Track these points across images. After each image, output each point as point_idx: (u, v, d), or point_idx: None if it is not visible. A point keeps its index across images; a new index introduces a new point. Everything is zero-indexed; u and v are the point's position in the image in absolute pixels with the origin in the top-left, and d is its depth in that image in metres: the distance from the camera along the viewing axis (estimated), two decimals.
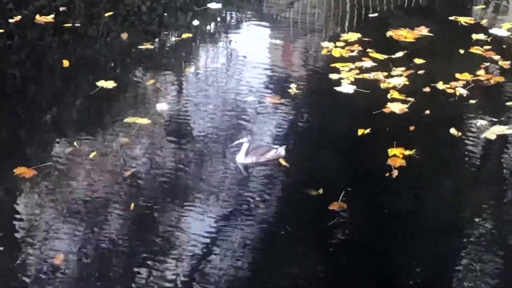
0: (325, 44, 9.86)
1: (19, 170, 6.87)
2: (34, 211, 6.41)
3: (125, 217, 6.32)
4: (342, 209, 6.35)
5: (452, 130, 7.58)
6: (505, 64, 9.10)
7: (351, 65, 9.10)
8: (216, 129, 7.72)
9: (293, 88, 8.56)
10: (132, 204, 6.42)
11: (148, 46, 9.84)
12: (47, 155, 7.22)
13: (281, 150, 7.17)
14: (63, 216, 6.31)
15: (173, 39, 10.38)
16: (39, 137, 7.66)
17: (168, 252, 5.90)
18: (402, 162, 6.98)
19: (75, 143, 7.39)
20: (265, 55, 9.97)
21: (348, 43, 9.78)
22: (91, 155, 7.17)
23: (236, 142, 7.20)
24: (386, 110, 7.99)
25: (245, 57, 9.69)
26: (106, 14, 10.90)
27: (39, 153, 7.28)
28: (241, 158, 7.10)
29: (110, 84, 8.61)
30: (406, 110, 8.02)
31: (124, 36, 10.12)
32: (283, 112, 8.10)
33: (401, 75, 8.81)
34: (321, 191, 6.55)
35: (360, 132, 7.48)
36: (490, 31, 10.16)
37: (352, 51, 9.54)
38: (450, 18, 10.61)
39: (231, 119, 7.96)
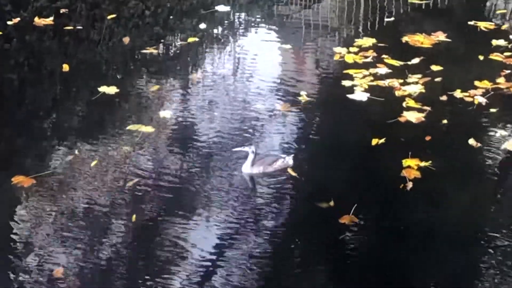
0: (338, 49, 9.93)
1: (17, 179, 6.93)
2: (32, 222, 6.46)
3: (127, 229, 6.37)
4: (354, 223, 6.38)
5: (471, 141, 7.62)
6: None
7: (365, 72, 9.17)
8: (222, 137, 7.78)
9: (303, 96, 8.62)
10: (134, 216, 6.47)
11: (152, 50, 9.93)
12: (47, 164, 7.29)
13: (289, 160, 7.24)
14: (62, 228, 6.36)
15: (179, 43, 10.47)
16: (38, 144, 7.74)
17: (172, 267, 5.93)
18: (417, 174, 7.02)
19: (76, 151, 7.46)
20: (275, 61, 10.04)
21: (362, 49, 9.85)
22: (93, 164, 7.24)
23: (238, 148, 7.28)
24: (401, 119, 8.04)
25: (254, 63, 9.77)
26: (109, 17, 11.00)
27: (38, 162, 7.35)
28: (247, 169, 7.16)
29: (112, 90, 8.70)
30: (423, 119, 8.07)
31: (126, 40, 10.21)
32: (293, 120, 8.16)
33: (417, 83, 8.88)
34: (332, 203, 6.59)
35: (374, 141, 7.53)
36: (511, 36, 10.21)
37: (366, 57, 9.61)
38: (469, 22, 10.68)
39: (238, 127, 8.02)
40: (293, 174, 7.12)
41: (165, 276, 5.83)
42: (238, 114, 8.31)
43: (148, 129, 7.85)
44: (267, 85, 9.02)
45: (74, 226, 6.38)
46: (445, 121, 8.04)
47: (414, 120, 8.04)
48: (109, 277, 5.85)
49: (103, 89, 8.67)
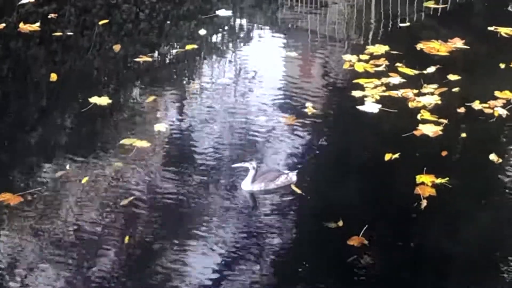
0: (347, 57, 9.98)
1: (3, 197, 6.99)
2: (17, 243, 6.50)
3: (119, 252, 6.41)
4: (363, 244, 6.41)
5: (492, 156, 7.67)
6: None
7: (377, 81, 9.23)
8: (222, 153, 7.85)
9: (309, 107, 8.69)
10: (127, 237, 6.53)
11: (147, 58, 9.99)
12: (34, 181, 7.34)
13: (293, 176, 7.29)
14: (50, 249, 6.40)
15: (175, 51, 10.52)
16: (25, 160, 7.78)
17: None
18: (432, 192, 7.07)
19: (66, 167, 7.50)
20: (279, 70, 10.10)
21: (373, 57, 9.91)
22: (83, 181, 7.30)
23: (238, 164, 7.34)
24: (417, 133, 8.10)
25: (257, 72, 9.82)
26: (100, 23, 11.06)
27: (25, 178, 7.40)
28: (247, 186, 7.21)
29: (104, 101, 8.77)
30: (440, 132, 8.14)
31: (117, 47, 10.26)
32: (298, 134, 8.21)
33: (432, 93, 8.93)
34: (340, 223, 6.63)
35: (387, 156, 7.58)
36: None
37: (378, 65, 9.67)
38: (489, 28, 10.73)
39: (239, 141, 8.10)
40: (298, 191, 7.18)
41: None
42: (239, 128, 8.38)
43: (143, 143, 7.91)
44: (270, 96, 9.07)
45: (63, 248, 6.42)
46: (463, 135, 8.10)
47: (431, 134, 8.09)
48: None
49: (94, 100, 8.74)
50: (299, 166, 7.58)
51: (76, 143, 8.12)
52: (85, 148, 7.92)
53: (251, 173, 7.17)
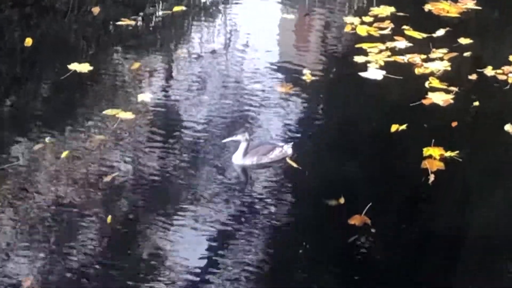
0: (349, 19, 10.00)
1: None
2: None
3: (102, 232, 6.44)
4: (365, 224, 6.42)
5: (507, 127, 7.71)
6: None
7: (381, 46, 9.26)
8: (212, 125, 7.86)
9: (307, 75, 8.71)
10: (110, 217, 6.55)
11: (130, 22, 9.98)
12: (8, 155, 7.33)
13: (288, 149, 7.31)
14: (25, 231, 6.40)
15: (161, 13, 10.50)
16: None
17: (153, 276, 5.97)
18: (440, 165, 7.11)
19: (45, 140, 7.51)
20: (274, 34, 10.11)
21: (377, 19, 9.93)
22: (63, 155, 7.31)
23: (229, 139, 7.34)
24: (425, 102, 8.13)
25: (249, 36, 9.82)
26: None
27: None
28: (238, 159, 7.23)
29: (85, 68, 8.78)
30: (451, 101, 8.16)
31: (96, 10, 10.22)
32: (295, 103, 8.24)
33: (442, 58, 8.96)
34: (341, 200, 6.66)
35: (394, 128, 7.60)
36: None
37: (383, 28, 9.69)
38: None
39: (231, 112, 8.11)
40: (294, 165, 7.21)
41: (146, 286, 5.89)
42: (231, 97, 8.40)
43: (127, 114, 7.92)
44: (265, 63, 9.08)
45: (40, 229, 6.43)
46: (475, 104, 8.13)
47: (441, 103, 8.12)
48: (82, 286, 5.93)
49: (73, 67, 8.75)
50: (295, 139, 7.60)
51: (54, 114, 8.11)
52: (64, 120, 7.92)
53: (243, 145, 7.19)
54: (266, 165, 7.24)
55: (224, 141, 7.40)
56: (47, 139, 7.52)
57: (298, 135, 7.75)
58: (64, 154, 7.31)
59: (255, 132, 7.76)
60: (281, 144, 7.38)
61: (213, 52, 9.44)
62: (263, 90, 8.48)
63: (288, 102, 8.26)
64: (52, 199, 6.78)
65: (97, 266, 6.09)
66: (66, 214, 6.60)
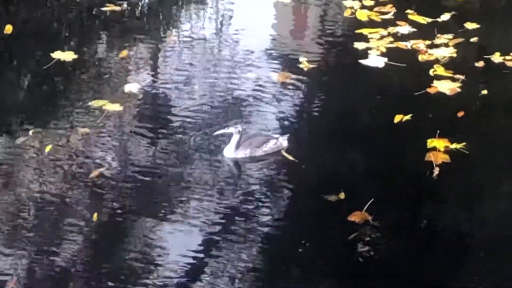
0: (349, 3, 10.00)
1: None
2: None
3: (87, 230, 6.44)
4: (366, 221, 6.42)
5: None
6: None
7: (383, 31, 9.27)
8: (202, 116, 7.86)
9: (304, 62, 8.71)
10: (96, 215, 6.57)
11: (115, 7, 9.97)
12: None
13: (283, 141, 7.31)
14: (6, 229, 6.40)
15: None
16: None
17: (141, 278, 5.97)
18: (445, 158, 7.11)
19: (28, 133, 7.48)
20: (269, 18, 10.11)
21: (379, 3, 9.93)
22: (47, 149, 7.30)
23: (221, 131, 7.33)
24: (431, 91, 8.13)
25: (243, 21, 9.83)
26: None
27: None
28: (230, 152, 7.21)
29: (69, 56, 8.79)
30: (458, 90, 8.17)
31: None
32: (291, 92, 8.25)
33: (447, 45, 8.97)
34: (342, 195, 6.64)
35: (397, 118, 7.60)
36: None
37: (385, 12, 9.71)
38: None
39: (223, 102, 8.11)
40: (290, 158, 7.21)
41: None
42: (223, 86, 8.40)
43: (114, 106, 7.92)
44: (259, 50, 9.09)
45: (25, 227, 6.42)
46: (484, 92, 8.13)
47: (447, 92, 8.13)
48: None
49: (57, 55, 8.75)
50: (291, 130, 7.59)
51: (37, 106, 8.13)
52: (48, 112, 7.94)
53: (235, 138, 7.17)
54: (260, 158, 7.24)
55: (215, 133, 7.39)
56: (30, 132, 7.51)
57: (294, 126, 7.76)
58: (48, 148, 7.31)
59: (249, 124, 7.74)
60: (276, 136, 7.38)
61: (204, 38, 9.43)
62: (257, 79, 8.48)
63: (284, 91, 8.27)
64: (35, 196, 6.77)
65: (79, 267, 6.08)
66: (50, 212, 6.60)
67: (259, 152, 7.25)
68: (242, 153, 7.22)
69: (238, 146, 7.20)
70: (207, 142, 7.46)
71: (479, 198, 6.80)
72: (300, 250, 6.21)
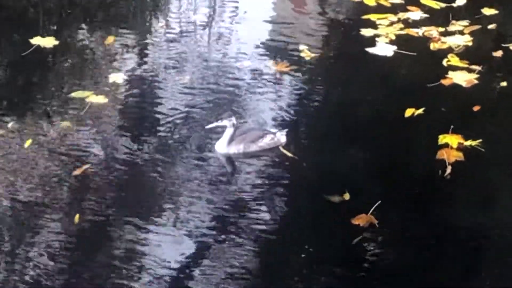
0: None
1: None
2: None
3: (68, 233, 6.42)
4: (372, 224, 6.40)
5: None
6: None
7: (392, 17, 9.29)
8: (193, 109, 7.87)
9: (305, 50, 8.74)
10: (77, 216, 6.56)
11: None
12: None
13: (281, 136, 7.30)
14: None
15: None
16: None
17: (127, 282, 5.97)
18: (459, 156, 7.11)
19: (7, 126, 7.47)
20: (267, 3, 10.12)
21: None
22: (26, 144, 7.31)
23: (214, 124, 7.31)
24: (445, 82, 8.13)
25: (238, 6, 9.88)
26: None
27: None
28: (222, 147, 7.20)
29: (49, 42, 8.81)
30: (475, 82, 8.16)
31: None
32: (290, 84, 8.26)
33: (462, 32, 8.98)
34: (346, 196, 6.64)
35: (408, 112, 7.60)
36: None
37: None
38: None
39: (216, 94, 8.11)
40: (289, 154, 7.21)
41: None
42: (216, 76, 8.41)
43: (98, 98, 7.93)
44: (255, 37, 9.11)
45: (2, 227, 6.44)
46: (503, 84, 8.14)
47: (464, 84, 8.12)
48: None
49: (36, 41, 8.78)
50: (290, 125, 7.59)
51: (16, 97, 8.15)
52: (27, 103, 7.94)
53: (229, 132, 7.16)
54: (255, 154, 7.23)
55: (207, 127, 7.38)
56: (9, 125, 7.52)
57: (294, 120, 7.76)
58: (28, 143, 7.31)
59: (244, 116, 7.75)
60: (273, 130, 7.37)
61: (196, 25, 9.44)
62: (253, 69, 8.51)
63: (282, 82, 8.29)
64: (12, 195, 6.78)
65: (60, 272, 6.08)
66: (28, 212, 6.60)
67: (254, 148, 7.24)
68: (235, 148, 7.21)
69: (231, 140, 7.19)
70: (199, 137, 7.45)
71: (495, 200, 6.79)
72: (303, 255, 6.21)
